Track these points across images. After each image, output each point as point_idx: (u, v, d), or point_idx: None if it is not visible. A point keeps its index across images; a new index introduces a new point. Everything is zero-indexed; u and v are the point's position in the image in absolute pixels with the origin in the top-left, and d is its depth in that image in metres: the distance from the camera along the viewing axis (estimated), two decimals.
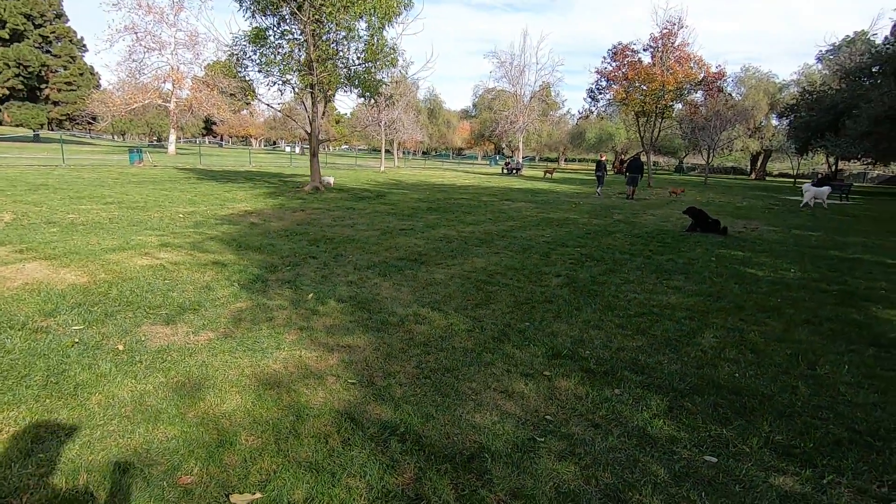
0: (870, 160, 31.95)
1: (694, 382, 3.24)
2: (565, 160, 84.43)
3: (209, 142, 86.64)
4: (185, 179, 18.10)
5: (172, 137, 38.27)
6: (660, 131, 28.91)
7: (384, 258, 6.72)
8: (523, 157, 52.19)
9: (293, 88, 15.53)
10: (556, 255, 7.41)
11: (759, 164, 62.70)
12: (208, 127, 76.90)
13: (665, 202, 19.23)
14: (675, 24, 26.01)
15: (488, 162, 65.80)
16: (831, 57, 50.41)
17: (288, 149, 74.93)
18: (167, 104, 37.00)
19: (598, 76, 30.08)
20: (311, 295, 4.85)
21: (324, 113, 16.32)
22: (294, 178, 22.56)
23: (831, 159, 42.87)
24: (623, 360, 3.57)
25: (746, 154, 61.85)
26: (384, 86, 15.47)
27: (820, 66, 51.60)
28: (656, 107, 26.88)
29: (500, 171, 42.06)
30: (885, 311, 5.25)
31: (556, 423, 2.68)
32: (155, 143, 62.04)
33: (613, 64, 28.61)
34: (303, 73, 14.53)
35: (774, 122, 54.36)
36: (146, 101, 34.81)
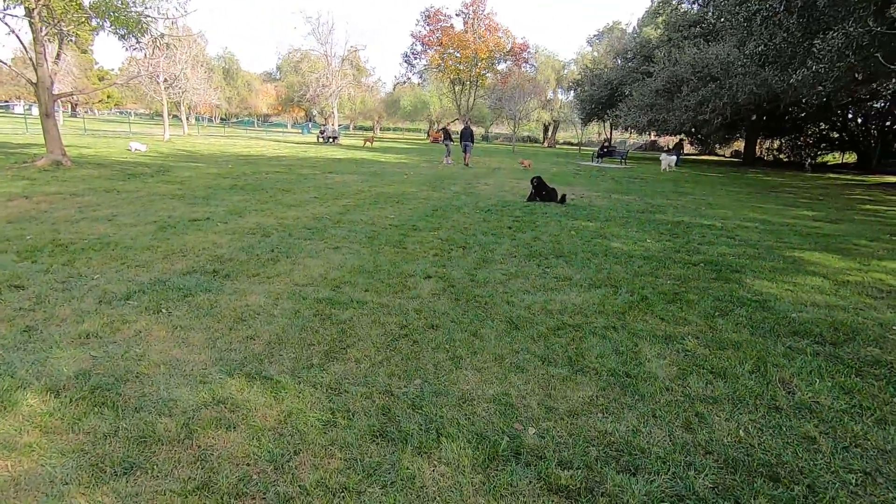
0: (632, 130, 38.02)
1: (709, 469, 2.05)
2: (381, 129, 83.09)
3: None
4: None
5: None
6: (474, 100, 29.39)
7: (160, 274, 4.28)
8: (339, 126, 49.02)
9: None
10: (412, 245, 5.86)
11: (550, 133, 70.71)
12: None
13: (491, 170, 19.28)
14: None
15: (300, 130, 60.37)
16: (598, 41, 58.95)
17: (19, 109, 57.28)
18: None
19: (414, 40, 28.97)
20: None
21: (58, 55, 11.57)
22: (26, 148, 16.35)
23: (605, 130, 50.34)
24: (591, 442, 2.21)
25: (539, 124, 69.23)
26: (151, 22, 11.51)
27: (590, 49, 59.87)
28: (470, 75, 27.02)
29: (315, 139, 38.54)
30: (757, 281, 5.06)
31: None
32: None
33: (427, 27, 27.74)
34: None
35: (561, 96, 61.51)
36: None
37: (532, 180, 10.79)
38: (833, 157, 43.09)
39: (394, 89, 57.64)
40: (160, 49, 12.33)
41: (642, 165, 29.32)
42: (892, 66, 7.20)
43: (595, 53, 54.80)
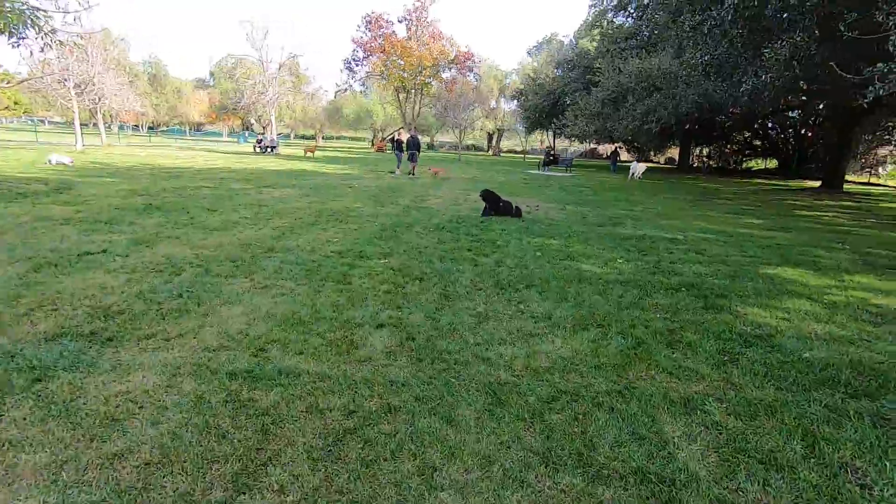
0: (577, 139, 38.81)
1: None
2: (323, 138, 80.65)
3: None
4: None
5: None
6: (420, 108, 28.72)
7: (10, 342, 3.12)
8: (278, 135, 46.73)
9: None
10: (359, 278, 4.94)
11: (494, 141, 71.38)
12: None
13: (439, 181, 18.58)
14: None
15: (236, 139, 57.23)
16: (537, 52, 60.35)
17: None
18: None
19: (355, 46, 27.91)
20: None
21: None
22: None
23: (548, 138, 51.29)
24: None
25: (484, 133, 69.81)
26: (46, 17, 9.81)
27: (530, 59, 61.15)
28: (415, 83, 26.36)
29: (251, 149, 36.38)
30: (748, 309, 4.56)
31: None
32: None
33: (369, 34, 26.81)
34: None
35: (504, 105, 62.25)
36: None
37: (481, 194, 10.15)
38: (756, 163, 46.09)
39: (335, 97, 55.91)
40: (53, 48, 10.62)
41: (586, 173, 29.77)
42: (849, 76, 7.21)
43: (535, 64, 55.94)
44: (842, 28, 6.31)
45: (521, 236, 7.76)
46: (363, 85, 43.78)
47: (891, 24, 5.90)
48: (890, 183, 30.59)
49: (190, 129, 73.44)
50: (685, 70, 13.83)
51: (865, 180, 32.37)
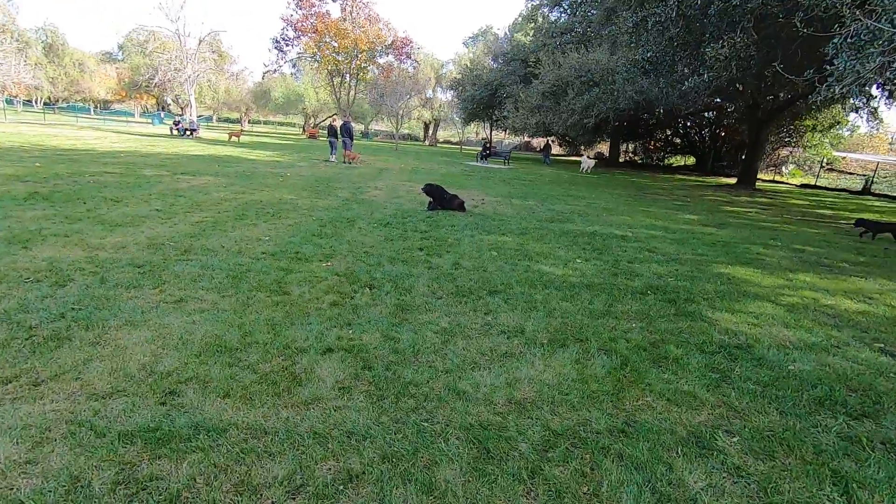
0: (513, 131, 39.16)
1: None
2: (249, 122, 75.82)
3: None
4: None
5: None
6: (355, 94, 27.48)
7: None
8: (198, 117, 43.06)
9: None
10: (298, 286, 4.21)
11: (430, 131, 70.70)
12: None
13: (378, 171, 17.72)
14: None
15: (151, 120, 52.05)
16: (473, 44, 60.29)
17: None
18: None
19: (285, 24, 26.05)
20: None
21: None
22: None
23: (485, 130, 51.50)
24: None
25: (420, 123, 68.95)
26: None
27: (466, 50, 60.99)
28: (350, 67, 25.12)
29: (168, 131, 33.15)
30: (718, 314, 4.38)
31: None
32: None
33: (300, 11, 25.13)
34: None
35: (441, 95, 61.67)
36: None
37: (425, 189, 9.58)
38: (676, 160, 49.12)
39: (263, 78, 52.28)
40: None
41: (523, 165, 30.02)
42: (791, 77, 7.43)
43: (471, 55, 55.77)
44: (797, 24, 6.47)
45: (472, 233, 7.29)
46: (294, 67, 41.32)
47: (848, 19, 6.05)
48: (792, 181, 33.62)
49: (96, 108, 66.23)
50: (624, 66, 14.07)
51: (772, 178, 35.33)
